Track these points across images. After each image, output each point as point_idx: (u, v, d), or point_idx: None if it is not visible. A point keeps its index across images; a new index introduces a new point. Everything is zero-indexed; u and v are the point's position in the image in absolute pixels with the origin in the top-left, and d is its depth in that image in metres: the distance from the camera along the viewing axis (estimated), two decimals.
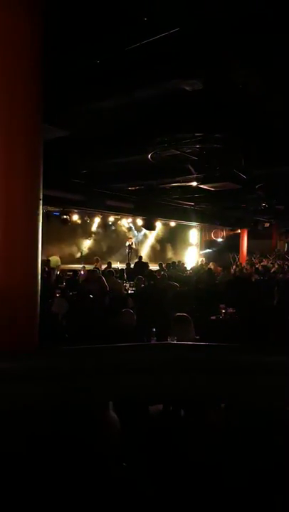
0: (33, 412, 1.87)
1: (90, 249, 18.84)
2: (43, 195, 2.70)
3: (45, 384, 1.88)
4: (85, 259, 17.05)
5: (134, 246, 17.87)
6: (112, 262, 15.00)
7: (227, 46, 4.14)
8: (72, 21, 3.72)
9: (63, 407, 1.91)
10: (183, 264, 15.90)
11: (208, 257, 19.15)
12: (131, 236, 18.62)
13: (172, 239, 21.69)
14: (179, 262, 16.02)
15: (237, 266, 15.72)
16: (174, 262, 15.10)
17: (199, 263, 16.45)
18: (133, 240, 18.18)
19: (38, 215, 2.65)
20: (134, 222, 18.00)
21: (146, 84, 4.89)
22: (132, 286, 10.26)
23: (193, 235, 21.99)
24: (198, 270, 13.60)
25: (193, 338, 3.31)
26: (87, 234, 18.65)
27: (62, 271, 12.63)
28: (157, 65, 4.40)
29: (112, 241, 19.59)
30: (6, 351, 2.25)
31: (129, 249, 17.60)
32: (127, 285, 10.66)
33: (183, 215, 16.20)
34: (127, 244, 17.81)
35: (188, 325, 3.34)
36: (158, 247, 21.45)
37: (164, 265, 13.99)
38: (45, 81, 2.72)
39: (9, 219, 2.51)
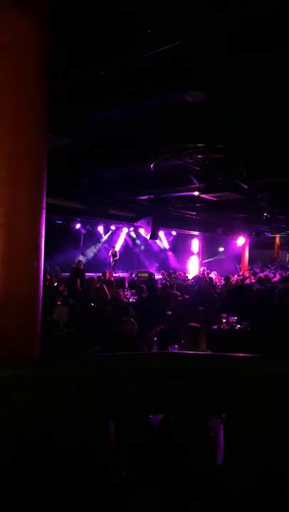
0: (34, 420, 1.87)
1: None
2: (45, 203, 2.72)
3: (46, 392, 1.88)
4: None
5: (117, 256, 17.74)
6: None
7: (229, 58, 4.19)
8: (77, 33, 3.78)
9: (64, 415, 1.91)
10: (184, 273, 15.88)
11: (210, 266, 19.14)
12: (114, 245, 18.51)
13: (174, 248, 21.69)
14: (181, 271, 16.02)
15: (239, 275, 15.69)
16: (175, 271, 15.08)
17: (201, 271, 16.43)
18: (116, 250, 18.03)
19: (40, 223, 2.66)
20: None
21: (149, 95, 4.95)
22: (134, 295, 10.24)
23: (195, 244, 22.04)
24: (199, 279, 13.57)
25: (205, 349, 3.15)
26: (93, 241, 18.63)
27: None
28: (160, 76, 4.46)
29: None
30: (8, 359, 2.25)
31: (112, 258, 17.48)
32: (129, 293, 10.63)
33: (185, 224, 16.18)
34: (110, 253, 17.69)
35: (201, 336, 3.18)
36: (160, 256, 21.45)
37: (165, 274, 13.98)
38: (50, 91, 2.76)
39: (12, 227, 2.52)
